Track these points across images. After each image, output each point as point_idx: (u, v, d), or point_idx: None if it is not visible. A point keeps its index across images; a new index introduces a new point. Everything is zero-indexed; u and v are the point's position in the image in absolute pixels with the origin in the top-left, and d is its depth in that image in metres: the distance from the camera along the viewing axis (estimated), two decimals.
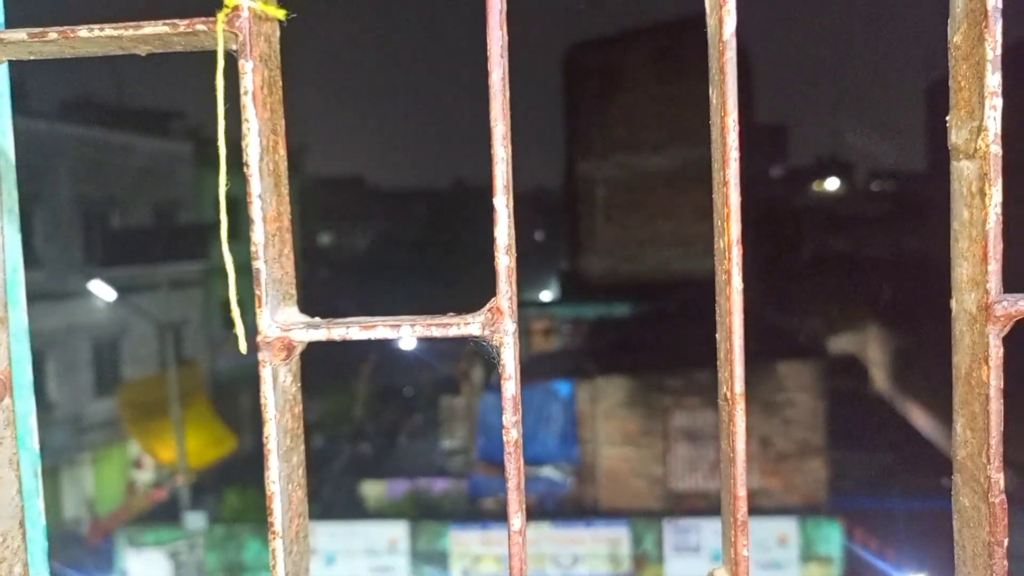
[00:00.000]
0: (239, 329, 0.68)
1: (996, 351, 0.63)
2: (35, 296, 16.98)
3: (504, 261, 0.66)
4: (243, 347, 0.68)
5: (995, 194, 0.67)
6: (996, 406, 0.63)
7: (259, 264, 0.68)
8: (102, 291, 15.15)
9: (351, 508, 12.45)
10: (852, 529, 11.45)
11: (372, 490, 12.79)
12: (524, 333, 19.05)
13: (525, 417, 13.30)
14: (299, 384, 0.73)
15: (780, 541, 10.83)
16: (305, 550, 0.73)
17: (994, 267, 0.66)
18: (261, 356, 0.67)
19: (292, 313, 0.70)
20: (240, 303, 0.70)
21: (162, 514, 12.60)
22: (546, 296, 25.37)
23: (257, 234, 0.68)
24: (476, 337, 0.67)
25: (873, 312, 20.27)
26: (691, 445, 12.48)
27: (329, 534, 11.28)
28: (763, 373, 12.41)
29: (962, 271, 0.70)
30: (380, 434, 16.30)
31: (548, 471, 12.67)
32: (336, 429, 16.74)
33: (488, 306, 0.66)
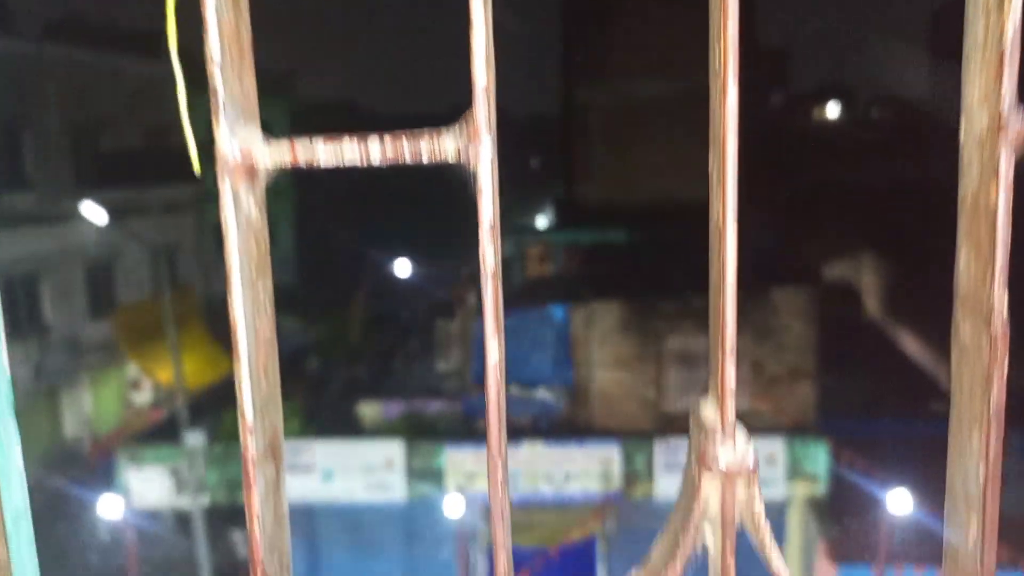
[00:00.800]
0: (191, 149, 0.63)
1: (1007, 168, 0.59)
2: (26, 219, 16.86)
3: (480, 71, 0.60)
4: (196, 167, 0.63)
5: (1015, 5, 0.62)
6: (1004, 226, 0.59)
7: (215, 78, 0.63)
8: (94, 214, 15.02)
9: (348, 428, 12.63)
10: (839, 450, 11.66)
11: (368, 411, 12.95)
12: (519, 259, 19.03)
13: (519, 341, 13.37)
14: (264, 216, 0.69)
15: (768, 460, 11.05)
16: (275, 385, 0.70)
17: (1009, 83, 0.62)
18: (220, 174, 0.62)
19: (253, 133, 0.66)
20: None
21: (161, 433, 12.76)
22: (542, 222, 25.25)
23: (213, 47, 0.63)
24: (450, 158, 0.63)
25: (869, 240, 20.25)
26: (684, 368, 12.61)
27: (326, 452, 11.47)
28: (757, 299, 12.45)
29: (973, 92, 0.66)
30: (376, 357, 16.42)
31: (542, 393, 12.83)
32: (332, 353, 16.87)
33: (463, 121, 0.61)
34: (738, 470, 0.67)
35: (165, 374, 15.40)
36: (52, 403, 17.75)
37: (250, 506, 0.69)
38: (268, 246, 0.70)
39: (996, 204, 0.59)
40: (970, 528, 0.69)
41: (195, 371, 14.68)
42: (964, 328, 0.65)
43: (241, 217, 0.64)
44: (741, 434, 0.65)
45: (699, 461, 0.69)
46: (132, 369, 18.27)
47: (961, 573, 0.71)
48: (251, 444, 0.65)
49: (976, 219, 0.63)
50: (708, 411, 0.65)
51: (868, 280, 21.05)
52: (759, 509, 0.69)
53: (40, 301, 17.27)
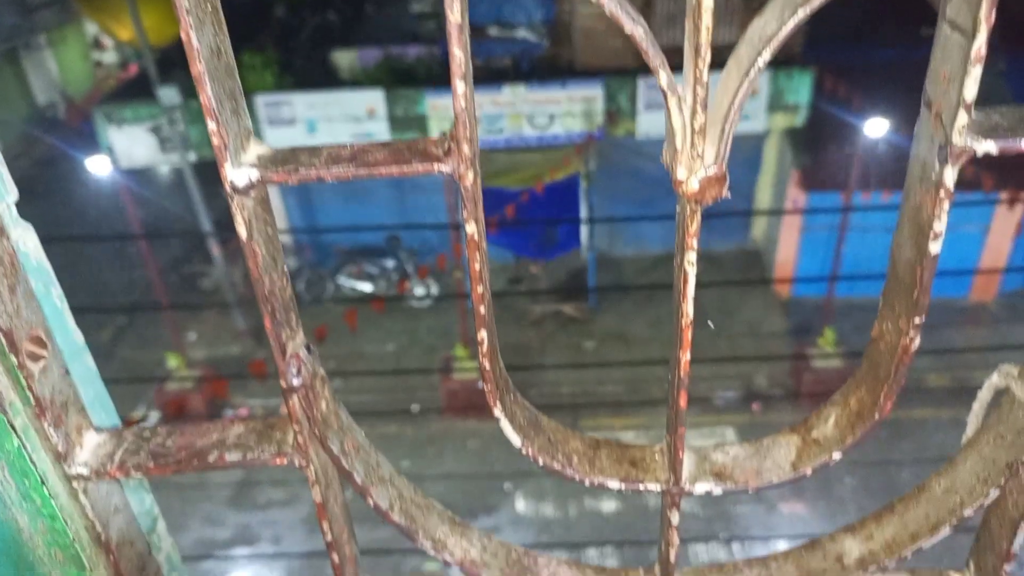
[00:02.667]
0: None
1: None
2: None
3: None
4: None
5: None
6: None
7: None
8: None
9: (325, 78, 12.34)
10: (822, 78, 11.61)
11: (344, 60, 12.56)
12: None
13: None
14: None
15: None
16: None
17: None
18: None
19: None
20: None
21: (136, 92, 12.47)
22: None
23: None
24: None
25: None
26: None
27: (307, 103, 11.36)
28: None
29: None
30: (346, 1, 15.47)
31: (523, 32, 12.37)
32: None
33: None
34: None
35: (125, 31, 14.61)
36: (16, 68, 17.12)
37: None
38: None
39: None
40: None
41: (156, 26, 13.90)
42: None
43: None
44: None
45: None
46: (91, 27, 17.33)
47: None
48: None
49: None
50: None
51: None
52: None
53: None
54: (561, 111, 11.41)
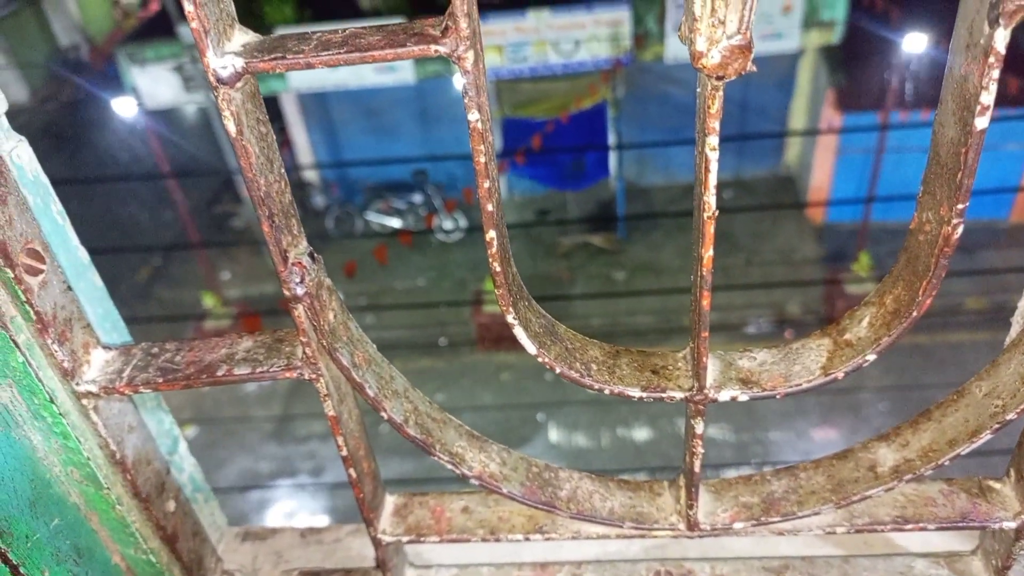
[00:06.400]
0: None
1: None
2: None
3: None
4: None
5: None
6: None
7: None
8: None
9: (346, 9, 12.11)
10: None
11: None
12: None
13: None
14: None
15: (784, 10, 10.62)
16: None
17: None
18: None
19: None
20: None
21: (157, 29, 12.35)
22: None
23: None
24: None
25: None
26: None
27: None
28: None
29: None
30: None
31: None
32: None
33: None
34: None
35: None
36: (36, 9, 17.05)
37: None
38: None
39: None
40: None
41: None
42: None
43: None
44: None
45: None
46: None
47: None
48: None
49: None
50: None
51: None
52: None
53: None
54: (587, 36, 11.10)
